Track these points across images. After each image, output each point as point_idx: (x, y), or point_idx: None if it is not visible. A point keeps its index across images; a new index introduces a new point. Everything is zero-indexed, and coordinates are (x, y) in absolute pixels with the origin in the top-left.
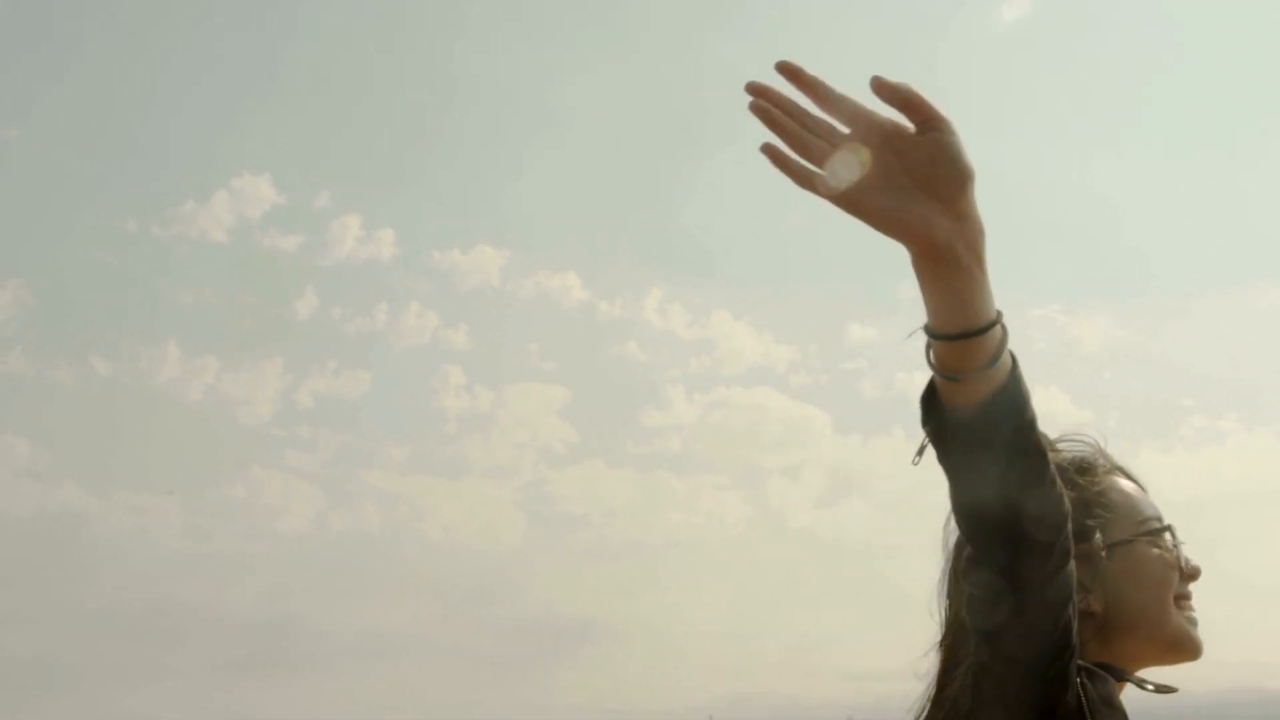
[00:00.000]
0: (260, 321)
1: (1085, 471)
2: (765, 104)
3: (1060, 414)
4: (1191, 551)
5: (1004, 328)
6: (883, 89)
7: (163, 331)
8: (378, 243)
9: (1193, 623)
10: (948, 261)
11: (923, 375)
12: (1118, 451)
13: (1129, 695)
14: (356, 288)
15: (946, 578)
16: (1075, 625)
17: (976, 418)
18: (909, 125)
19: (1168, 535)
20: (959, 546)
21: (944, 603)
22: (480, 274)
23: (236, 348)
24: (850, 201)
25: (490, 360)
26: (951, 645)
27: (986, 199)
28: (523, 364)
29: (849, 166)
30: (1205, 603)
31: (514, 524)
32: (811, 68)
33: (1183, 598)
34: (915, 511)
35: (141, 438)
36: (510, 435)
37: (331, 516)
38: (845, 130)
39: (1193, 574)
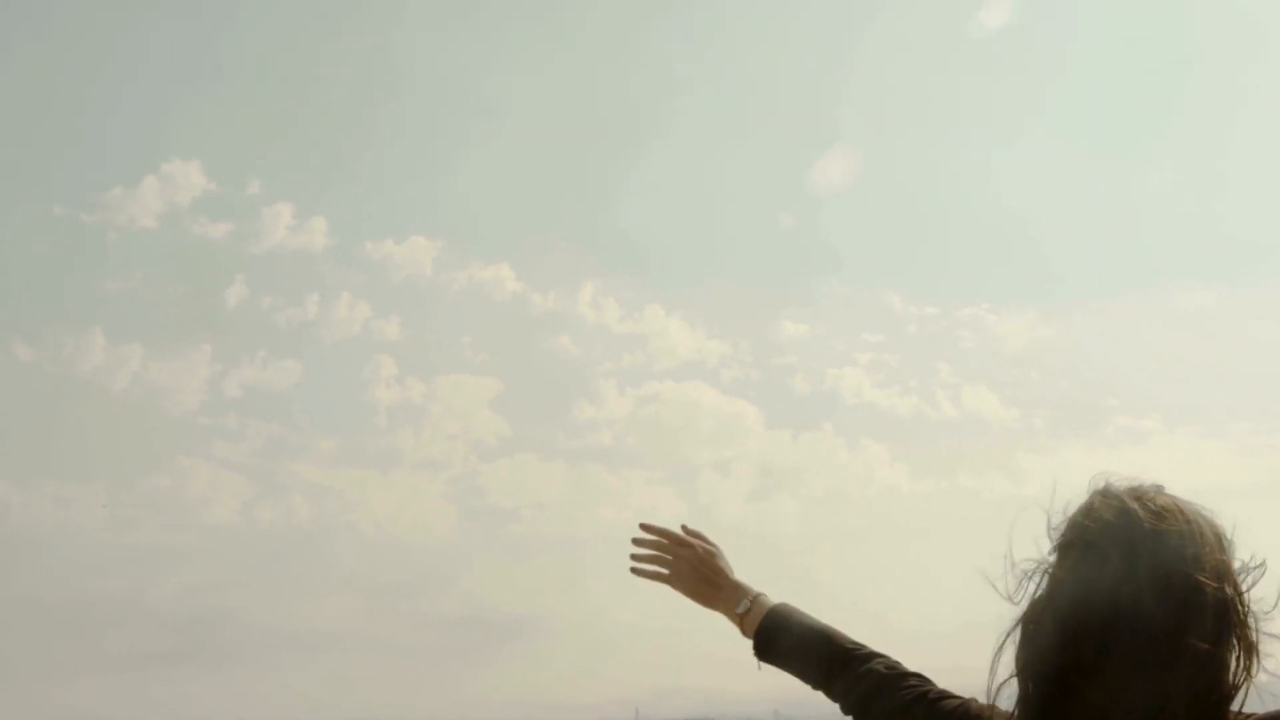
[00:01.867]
0: (188, 310)
1: None
2: (647, 542)
3: (988, 412)
4: None
5: (755, 602)
6: (648, 529)
7: (88, 319)
8: (310, 232)
9: None
10: (716, 607)
11: (853, 372)
12: (1043, 449)
13: None
14: (287, 277)
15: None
16: None
17: (782, 654)
18: (692, 541)
19: None
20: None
21: None
22: (413, 265)
23: (164, 336)
24: (672, 583)
25: (422, 352)
26: None
27: (922, 197)
28: (455, 356)
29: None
30: None
31: (445, 517)
32: (740, 64)
33: None
34: (844, 507)
35: (65, 427)
36: (442, 427)
37: (259, 508)
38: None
39: None
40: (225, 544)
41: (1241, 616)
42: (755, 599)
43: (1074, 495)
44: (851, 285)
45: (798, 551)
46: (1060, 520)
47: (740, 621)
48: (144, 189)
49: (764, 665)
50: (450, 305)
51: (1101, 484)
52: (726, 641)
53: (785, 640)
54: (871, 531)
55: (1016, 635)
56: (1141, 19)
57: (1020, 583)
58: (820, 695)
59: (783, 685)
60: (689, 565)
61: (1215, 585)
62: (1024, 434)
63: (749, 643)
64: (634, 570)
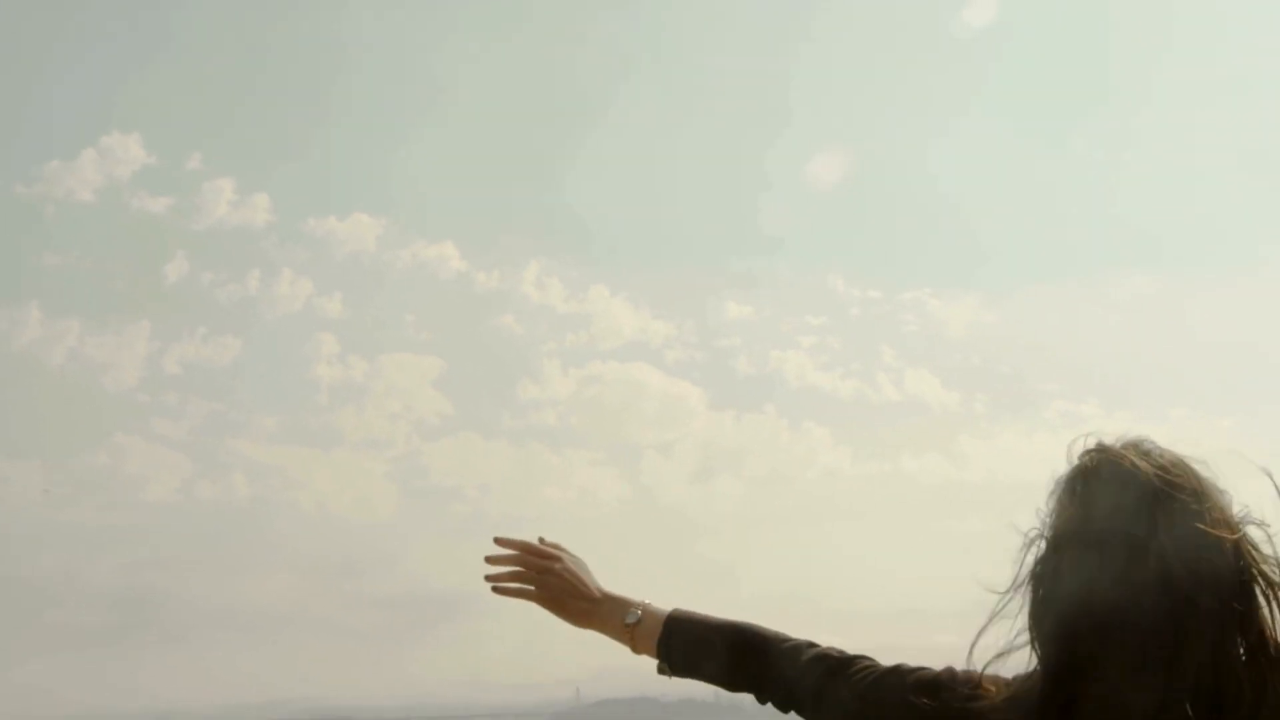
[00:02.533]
0: (127, 285)
1: None
2: (504, 558)
3: (929, 395)
4: None
5: (642, 612)
6: (503, 543)
7: (25, 293)
8: (251, 208)
9: None
10: (594, 624)
11: (796, 354)
12: (983, 433)
13: None
14: (229, 253)
15: None
16: None
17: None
18: (557, 554)
19: None
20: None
21: None
22: (356, 242)
23: (102, 311)
24: (543, 601)
25: (364, 330)
26: None
27: (868, 183)
28: (398, 334)
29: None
30: None
31: (387, 496)
32: (690, 49)
33: None
34: (786, 489)
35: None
36: (384, 406)
37: (199, 486)
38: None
39: None
40: (165, 522)
41: (1265, 573)
42: (644, 608)
43: (1041, 473)
44: (796, 268)
45: (739, 532)
46: (1056, 489)
47: (631, 635)
48: (83, 162)
49: (675, 677)
50: (393, 283)
51: (1094, 443)
52: None
53: (695, 646)
54: (813, 513)
55: (1028, 602)
56: (1083, 16)
57: (1025, 552)
58: None
59: None
60: (559, 580)
61: (1232, 539)
62: (965, 418)
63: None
64: (496, 590)
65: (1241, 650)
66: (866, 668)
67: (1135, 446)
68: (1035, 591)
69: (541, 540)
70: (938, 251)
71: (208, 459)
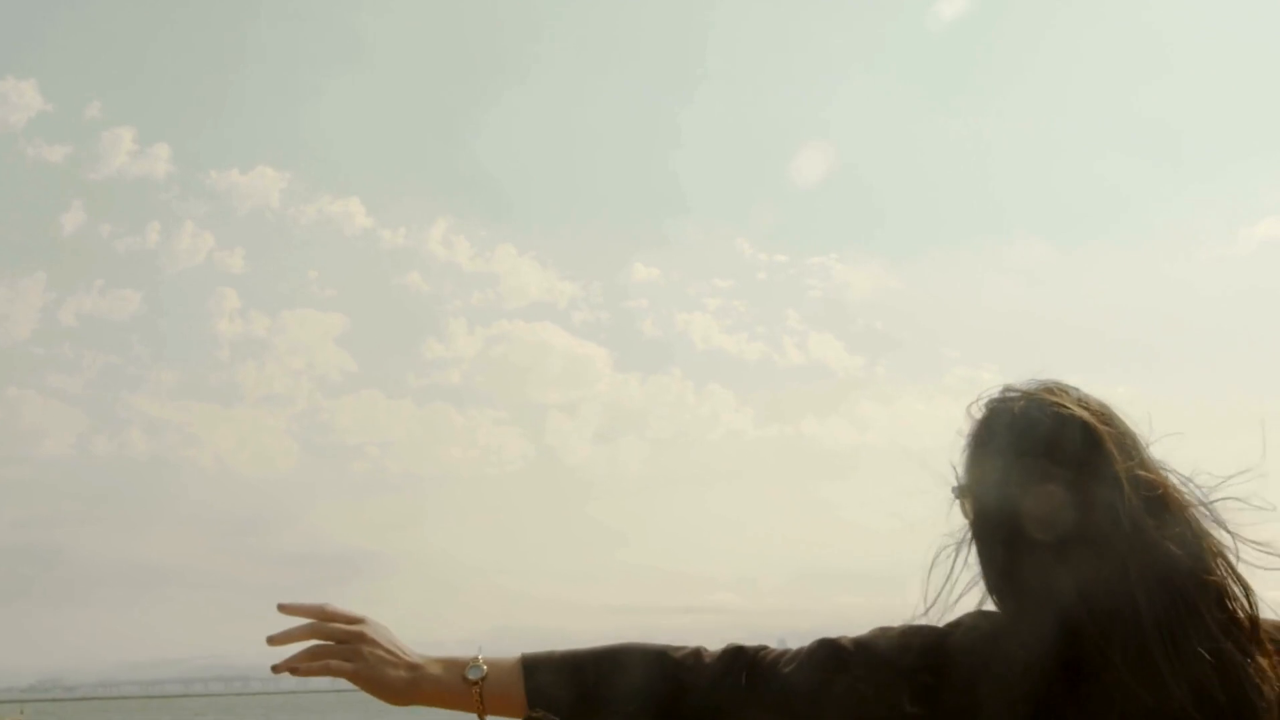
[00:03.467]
0: (22, 235)
1: None
2: (300, 631)
3: (833, 359)
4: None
5: (493, 665)
6: (290, 610)
7: None
8: (152, 158)
9: None
10: (420, 694)
11: (702, 317)
12: (885, 396)
13: None
14: (128, 204)
15: None
16: None
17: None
18: (365, 618)
19: None
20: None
21: None
22: (260, 196)
23: None
24: (356, 677)
25: (267, 285)
26: None
27: (778, 146)
28: (301, 290)
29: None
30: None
31: (288, 453)
32: (605, 7)
33: None
34: (690, 451)
35: None
36: (286, 362)
37: (95, 441)
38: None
39: None
40: (59, 477)
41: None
42: (487, 662)
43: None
44: (704, 232)
45: (642, 494)
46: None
47: (478, 694)
48: None
49: None
50: (297, 239)
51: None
52: (566, 583)
53: (582, 680)
54: (716, 475)
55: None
56: None
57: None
58: (660, 635)
59: (621, 624)
60: (374, 648)
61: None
62: (867, 381)
63: (591, 584)
64: (298, 672)
65: (1220, 615)
66: (817, 661)
67: (1054, 388)
68: (989, 543)
69: (325, 609)
70: (844, 218)
71: (105, 414)
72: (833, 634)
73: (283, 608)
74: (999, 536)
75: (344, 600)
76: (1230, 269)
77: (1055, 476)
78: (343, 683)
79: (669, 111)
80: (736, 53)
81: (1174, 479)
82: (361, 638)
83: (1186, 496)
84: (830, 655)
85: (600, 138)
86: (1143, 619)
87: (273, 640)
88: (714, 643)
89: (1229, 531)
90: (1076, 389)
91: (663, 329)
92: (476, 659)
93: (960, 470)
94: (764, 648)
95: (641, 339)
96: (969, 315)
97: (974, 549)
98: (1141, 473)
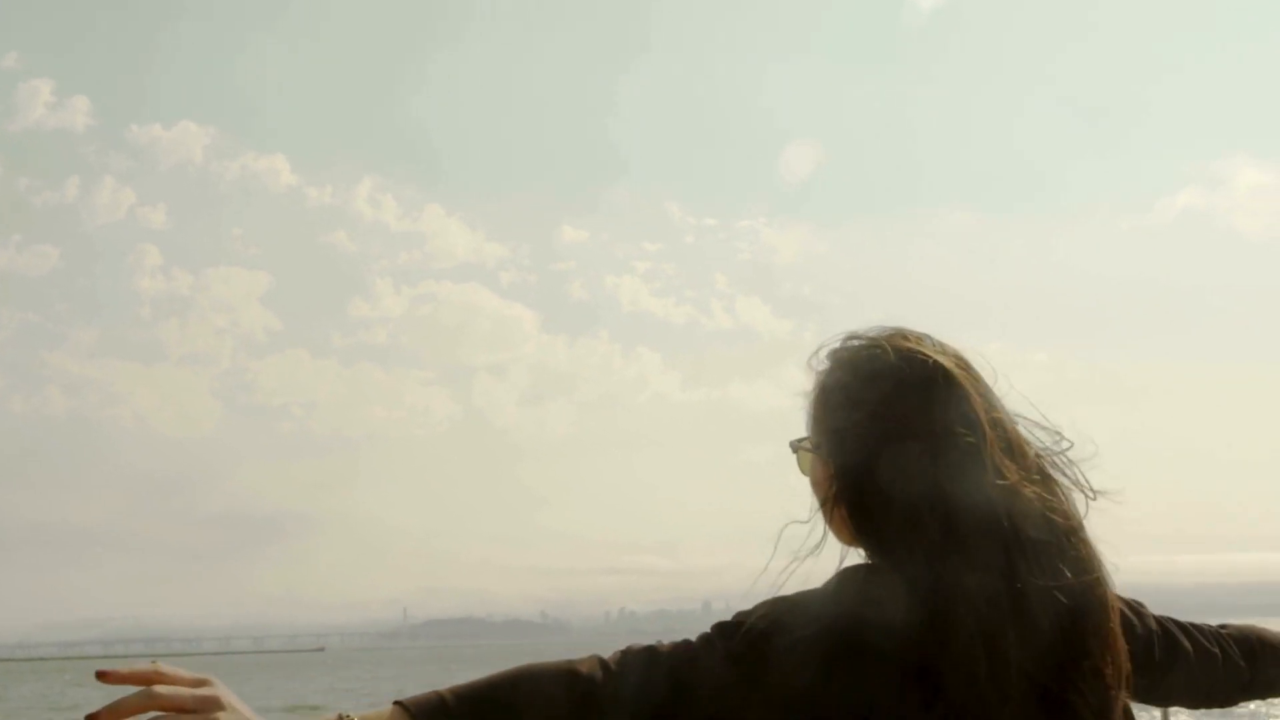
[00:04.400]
0: None
1: None
2: (134, 703)
3: (760, 324)
4: None
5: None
6: (115, 677)
7: None
8: (71, 110)
9: None
10: None
11: (631, 279)
12: (801, 364)
13: None
14: (46, 157)
15: None
16: None
17: None
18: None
19: None
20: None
21: None
22: (183, 151)
23: None
24: None
25: (190, 242)
26: None
27: (711, 111)
28: (225, 247)
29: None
30: None
31: (211, 413)
32: None
33: None
34: (617, 413)
35: None
36: (209, 321)
37: (12, 400)
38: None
39: None
40: None
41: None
42: (356, 714)
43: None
44: (634, 194)
45: (569, 456)
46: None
47: None
48: None
49: None
50: (221, 195)
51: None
52: (492, 544)
53: (487, 709)
54: (643, 438)
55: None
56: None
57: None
58: (586, 597)
59: (547, 586)
60: (233, 714)
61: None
62: (794, 346)
63: (517, 546)
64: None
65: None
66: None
67: (907, 334)
68: (846, 505)
69: (156, 665)
70: (772, 183)
71: (22, 372)
72: (756, 596)
73: (104, 676)
74: (855, 496)
75: (267, 561)
76: (1147, 238)
77: (915, 427)
78: (266, 644)
79: (606, 77)
80: (679, 23)
81: (1023, 429)
82: (215, 703)
83: (1038, 446)
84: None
85: (534, 100)
86: (982, 621)
87: (101, 674)
88: (641, 604)
89: (1079, 484)
90: (930, 336)
91: (591, 291)
92: (350, 717)
93: (807, 426)
94: (655, 646)
95: (570, 301)
96: (895, 281)
97: (826, 511)
98: (1000, 419)
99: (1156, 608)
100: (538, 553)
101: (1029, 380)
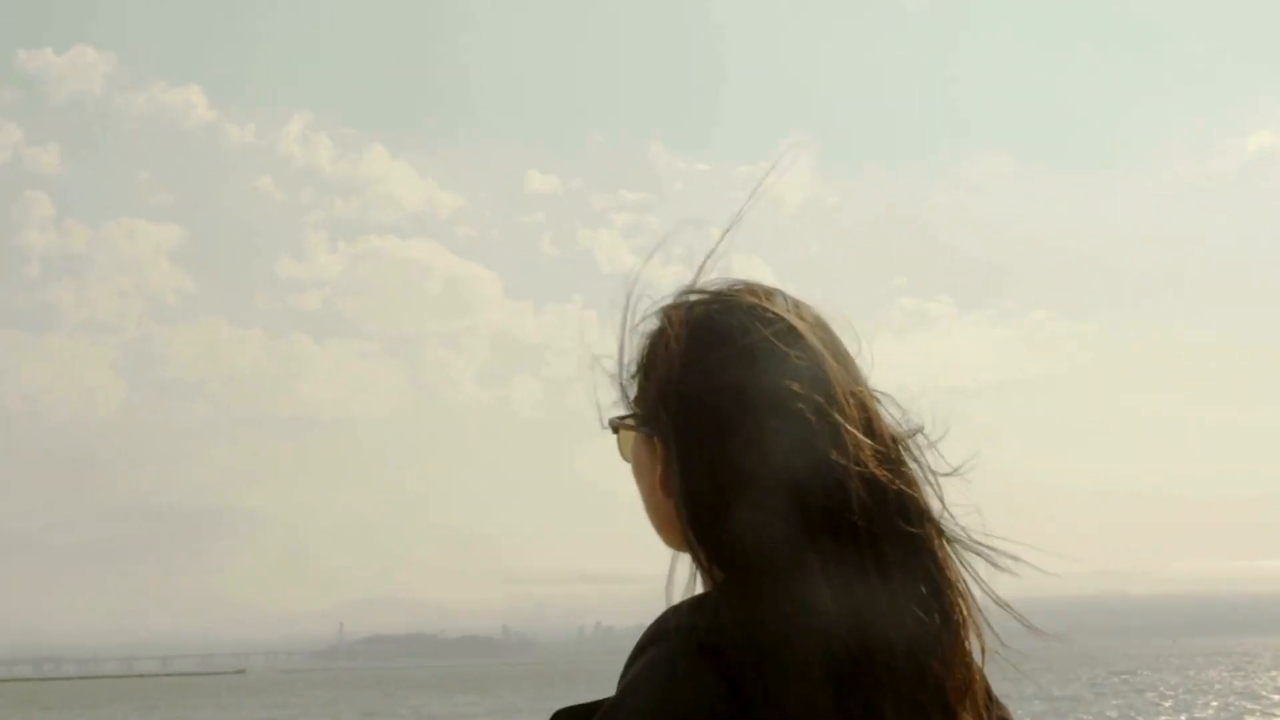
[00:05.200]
0: None
1: None
2: None
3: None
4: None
5: None
6: None
7: None
8: None
9: None
10: None
11: (609, 235)
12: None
13: None
14: None
15: None
16: None
17: None
18: None
19: None
20: None
21: None
22: (79, 81)
23: None
24: None
25: (87, 190)
26: None
27: (704, 42)
28: (128, 196)
29: None
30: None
31: (113, 391)
32: None
33: None
34: (593, 391)
35: None
36: (111, 283)
37: None
38: None
39: None
40: None
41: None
42: None
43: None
44: (613, 134)
45: (535, 441)
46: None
47: None
48: None
49: None
50: (125, 134)
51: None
52: (446, 547)
53: None
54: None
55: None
56: None
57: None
58: (555, 609)
59: (510, 596)
60: None
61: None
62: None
63: (475, 548)
64: None
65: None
66: None
67: (756, 289)
68: (683, 497)
69: None
70: (774, 121)
71: None
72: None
73: None
74: (689, 486)
75: (180, 565)
76: (1214, 188)
77: (762, 400)
78: (177, 665)
79: (587, 5)
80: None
81: (884, 407)
82: None
83: (900, 427)
84: None
85: (495, 24)
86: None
87: None
88: (619, 618)
89: (931, 471)
90: (782, 292)
91: (562, 248)
92: None
93: (629, 398)
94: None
95: (537, 260)
96: (916, 236)
97: (652, 506)
98: (861, 394)
99: (1225, 627)
100: (499, 556)
101: (1076, 357)
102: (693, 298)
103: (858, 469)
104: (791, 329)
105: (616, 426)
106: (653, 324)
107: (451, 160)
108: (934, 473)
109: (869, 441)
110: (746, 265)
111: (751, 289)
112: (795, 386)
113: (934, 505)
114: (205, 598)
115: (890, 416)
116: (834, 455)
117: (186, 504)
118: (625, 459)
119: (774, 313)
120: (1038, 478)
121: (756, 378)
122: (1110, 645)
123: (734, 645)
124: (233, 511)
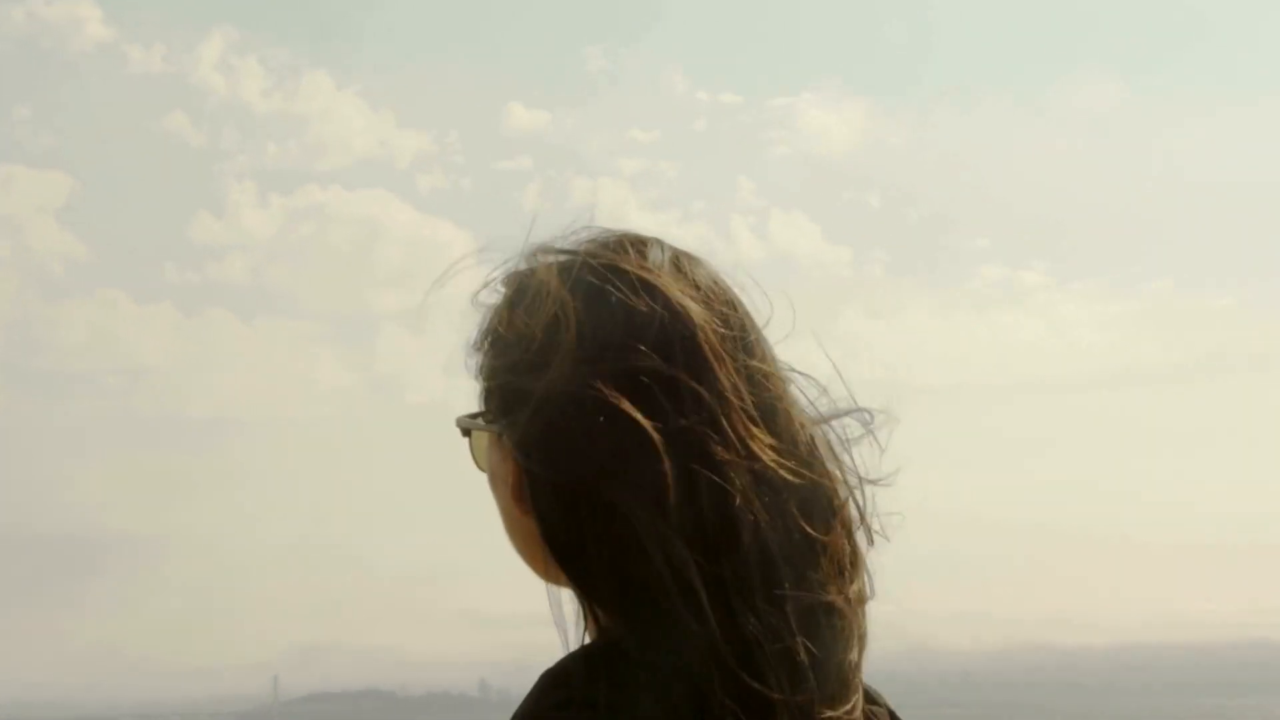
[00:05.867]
0: None
1: None
2: None
3: (806, 250)
4: (977, 454)
5: None
6: None
7: None
8: None
9: None
10: None
11: (614, 184)
12: (881, 307)
13: None
14: None
15: None
16: None
17: None
18: None
19: None
20: None
21: None
22: None
23: None
24: None
25: None
26: None
27: None
28: (4, 137)
29: None
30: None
31: None
32: None
33: None
34: None
35: None
36: None
37: None
38: None
39: None
40: None
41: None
42: None
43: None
44: (621, 59)
45: None
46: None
47: None
48: None
49: None
50: None
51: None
52: (408, 579)
53: None
54: None
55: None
56: None
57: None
58: (545, 658)
59: (489, 643)
60: None
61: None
62: (855, 284)
63: (445, 581)
64: None
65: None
66: None
67: (628, 241)
68: (543, 508)
69: None
70: (818, 41)
71: None
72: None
73: None
74: (549, 502)
75: (73, 604)
76: None
77: (634, 385)
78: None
79: None
80: None
81: (794, 386)
82: None
83: (806, 411)
84: None
85: None
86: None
87: None
88: None
89: (852, 471)
90: (661, 242)
91: (553, 201)
92: None
93: (480, 389)
94: None
95: (521, 216)
96: (1002, 185)
97: (511, 523)
98: (761, 373)
99: None
100: (475, 590)
101: (1210, 341)
102: (544, 258)
103: (749, 464)
104: (662, 292)
105: (467, 428)
106: (503, 293)
107: (414, 90)
108: (858, 476)
109: (760, 433)
110: (788, 220)
111: (621, 241)
112: (660, 366)
113: (846, 513)
114: (107, 646)
115: (806, 402)
116: (718, 451)
117: (70, 530)
118: (480, 468)
119: (642, 274)
120: (1158, 498)
121: (616, 357)
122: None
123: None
124: (132, 539)
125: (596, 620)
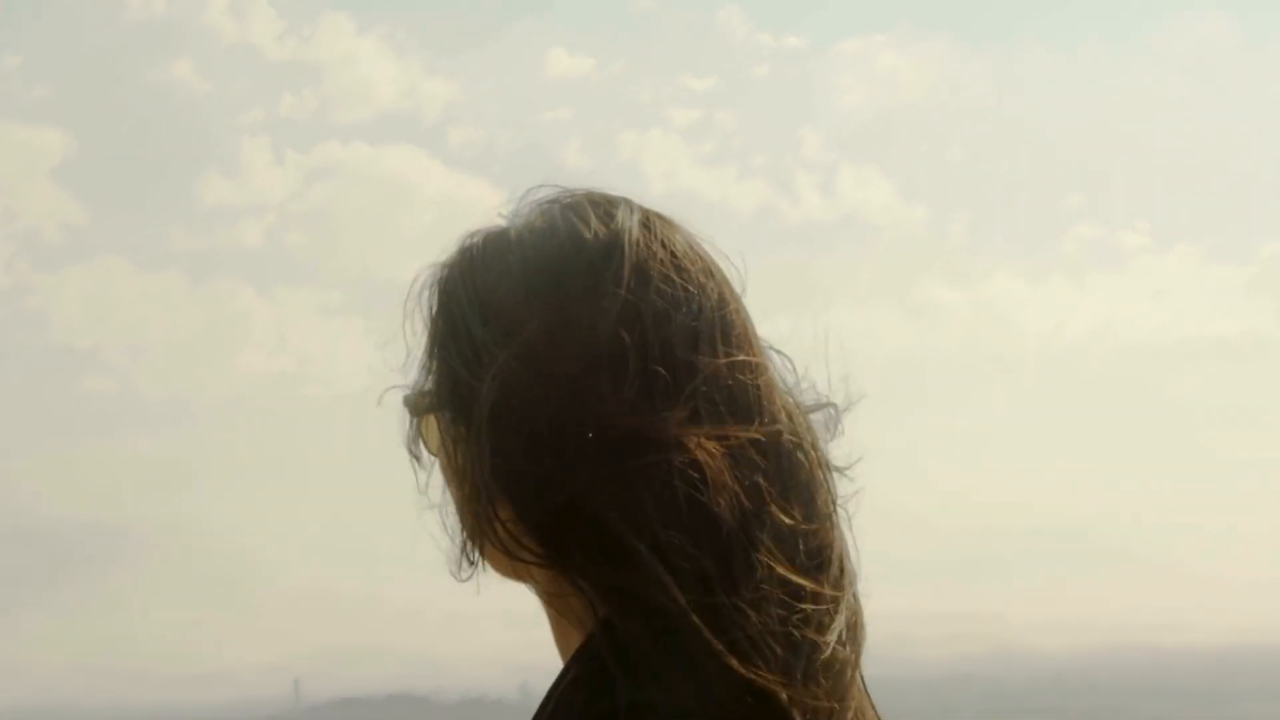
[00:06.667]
0: None
1: None
2: None
3: (878, 209)
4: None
5: None
6: None
7: None
8: None
9: None
10: None
11: (664, 137)
12: (964, 272)
13: None
14: None
15: None
16: None
17: None
18: None
19: None
20: None
21: None
22: None
23: None
24: None
25: None
26: None
27: None
28: None
29: None
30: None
31: None
32: None
33: None
34: None
35: None
36: None
37: None
38: None
39: None
40: None
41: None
42: None
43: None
44: (669, 0)
45: None
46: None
47: None
48: None
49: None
50: None
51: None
52: (440, 575)
53: None
54: None
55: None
56: None
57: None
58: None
59: (529, 644)
60: None
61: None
62: (935, 247)
63: (481, 578)
64: None
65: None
66: None
67: (600, 198)
68: (513, 495)
69: None
70: None
71: None
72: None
73: None
74: (528, 482)
75: (66, 603)
76: None
77: (602, 366)
78: None
79: None
80: None
81: (775, 370)
82: None
83: (788, 396)
84: None
85: None
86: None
87: None
88: None
89: (820, 443)
90: (629, 202)
91: (597, 157)
92: None
93: (428, 370)
94: None
95: (563, 173)
96: (1099, 136)
97: (469, 516)
98: (742, 348)
99: None
100: (511, 587)
101: None
102: (505, 221)
103: (726, 448)
104: (630, 251)
105: (417, 409)
106: (449, 262)
107: (443, 34)
108: (831, 465)
109: (743, 418)
110: (858, 176)
111: (589, 198)
112: (631, 346)
113: (827, 506)
114: (107, 649)
115: (785, 383)
116: (693, 435)
117: (73, 518)
118: (432, 453)
119: (612, 233)
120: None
121: (582, 337)
122: None
123: None
124: (138, 527)
125: (575, 611)
